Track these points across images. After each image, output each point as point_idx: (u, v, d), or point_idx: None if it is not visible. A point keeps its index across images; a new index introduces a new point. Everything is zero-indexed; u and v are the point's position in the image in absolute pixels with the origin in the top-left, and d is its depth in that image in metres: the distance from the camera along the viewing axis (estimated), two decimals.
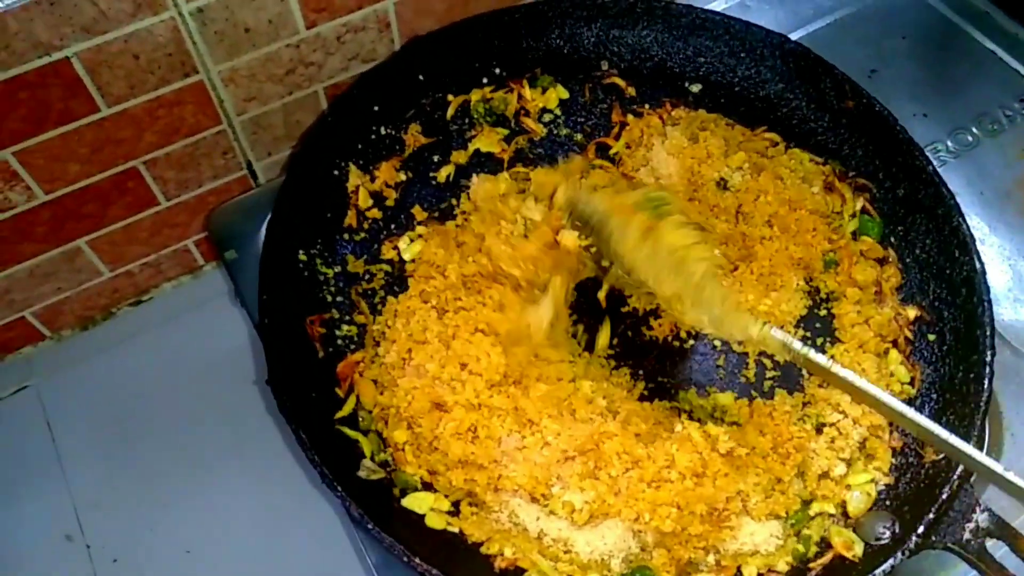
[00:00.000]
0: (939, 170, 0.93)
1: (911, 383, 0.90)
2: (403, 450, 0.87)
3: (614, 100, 1.08)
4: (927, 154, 0.94)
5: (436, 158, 1.04)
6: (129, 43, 0.84)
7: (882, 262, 0.97)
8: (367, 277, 0.97)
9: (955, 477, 0.78)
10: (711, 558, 0.83)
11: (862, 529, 0.83)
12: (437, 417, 0.86)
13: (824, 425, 0.89)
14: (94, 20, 0.80)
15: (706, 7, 1.08)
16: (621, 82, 1.07)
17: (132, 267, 1.06)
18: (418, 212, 1.01)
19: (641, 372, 0.94)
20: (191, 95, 0.92)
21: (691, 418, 0.89)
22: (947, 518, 0.78)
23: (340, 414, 0.87)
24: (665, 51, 1.07)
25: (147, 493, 0.96)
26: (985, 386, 0.82)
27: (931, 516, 0.77)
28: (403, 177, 1.02)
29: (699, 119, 1.05)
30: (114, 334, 1.08)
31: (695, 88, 1.07)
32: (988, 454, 0.72)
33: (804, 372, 0.93)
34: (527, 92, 1.06)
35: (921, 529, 0.77)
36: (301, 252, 0.94)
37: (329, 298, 0.94)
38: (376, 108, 1.00)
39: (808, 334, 0.95)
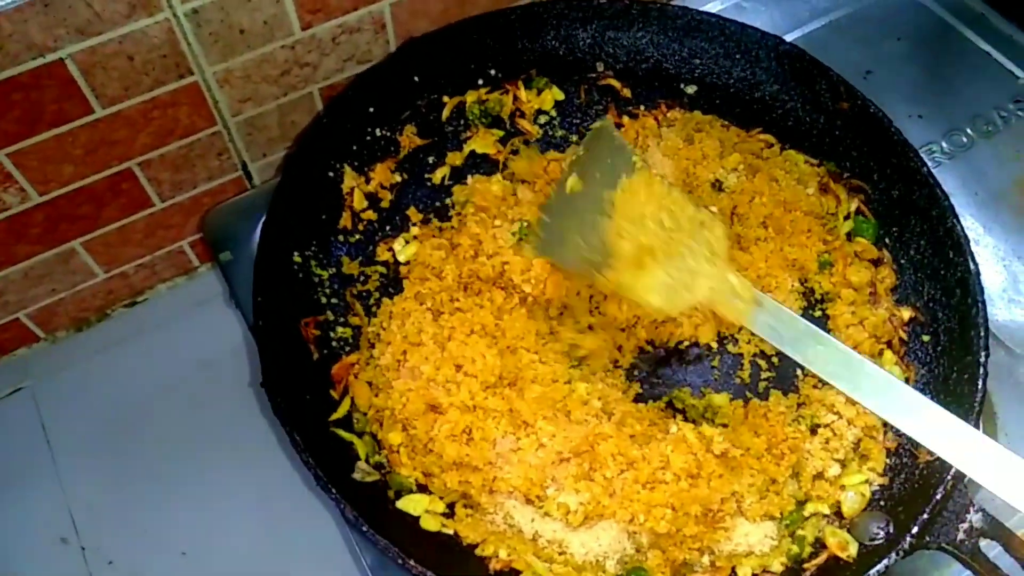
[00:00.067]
0: (934, 171, 0.93)
1: (905, 383, 0.90)
2: (398, 452, 0.87)
3: (609, 101, 1.08)
4: (922, 155, 0.94)
5: (431, 159, 1.04)
6: (124, 44, 0.83)
7: (877, 263, 0.97)
8: (362, 279, 0.97)
9: (949, 477, 0.78)
10: (706, 559, 0.83)
11: (856, 529, 0.83)
12: (432, 419, 0.86)
13: (818, 426, 0.89)
14: (88, 22, 0.80)
15: (701, 8, 1.08)
16: (616, 83, 1.07)
17: (127, 268, 1.06)
18: (413, 214, 1.01)
19: (636, 373, 0.94)
20: (186, 96, 0.92)
21: (686, 419, 0.90)
22: (941, 518, 0.78)
23: (335, 416, 0.87)
24: (660, 53, 1.07)
25: (142, 495, 0.96)
26: (979, 387, 0.82)
27: (925, 516, 0.77)
28: (398, 178, 1.02)
29: (694, 120, 1.05)
30: (109, 335, 1.08)
31: (690, 89, 1.07)
32: None
33: (799, 373, 0.93)
34: (522, 93, 1.06)
35: (915, 529, 0.77)
36: (296, 254, 0.94)
37: (324, 300, 0.94)
38: (371, 109, 1.00)
39: None
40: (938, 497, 0.78)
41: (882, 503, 0.85)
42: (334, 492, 0.77)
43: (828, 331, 0.95)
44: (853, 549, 0.81)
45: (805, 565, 0.82)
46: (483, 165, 1.04)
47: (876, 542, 0.81)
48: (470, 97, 1.05)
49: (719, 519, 0.83)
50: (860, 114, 0.98)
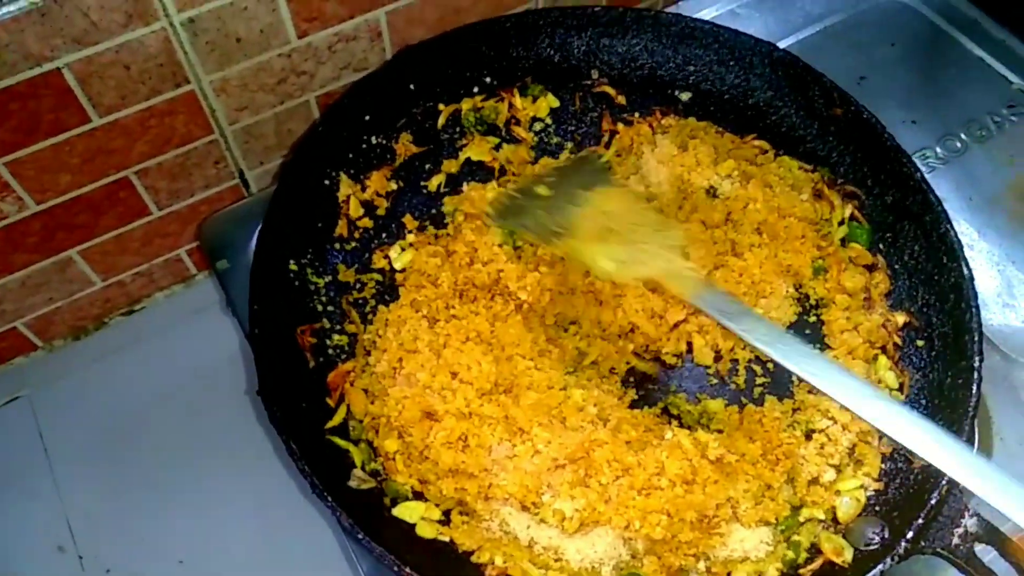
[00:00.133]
0: (928, 176, 0.94)
1: (900, 389, 0.91)
2: (394, 459, 0.87)
3: (604, 109, 1.08)
4: (915, 161, 0.95)
5: (427, 167, 1.04)
6: (120, 54, 0.84)
7: (871, 268, 0.97)
8: (358, 286, 0.98)
9: (944, 482, 0.78)
10: (701, 565, 0.83)
11: (852, 535, 0.83)
12: (428, 426, 0.86)
13: (813, 431, 0.89)
14: (85, 31, 0.80)
15: (695, 16, 1.08)
16: (611, 91, 1.08)
17: (124, 277, 1.06)
18: (409, 221, 1.01)
19: (631, 379, 0.94)
20: (183, 105, 0.93)
21: (681, 425, 0.90)
22: (936, 523, 0.79)
23: (331, 424, 0.87)
24: (655, 60, 1.08)
25: (140, 503, 0.96)
26: (974, 391, 0.83)
27: (920, 521, 0.78)
28: (394, 186, 1.02)
29: (689, 127, 1.05)
30: (106, 344, 1.08)
31: (685, 96, 1.08)
32: None
33: (794, 379, 0.93)
34: (518, 101, 1.06)
35: (910, 534, 0.77)
36: (292, 261, 0.94)
37: (320, 307, 0.95)
38: (367, 117, 1.00)
39: None
40: (933, 502, 0.78)
41: (877, 508, 0.85)
42: (330, 500, 0.77)
43: (823, 336, 0.95)
44: (848, 554, 0.82)
45: (801, 570, 0.82)
46: (479, 172, 1.04)
47: (871, 547, 0.81)
48: (466, 105, 1.05)
49: (714, 525, 0.83)
50: (854, 120, 0.99)
